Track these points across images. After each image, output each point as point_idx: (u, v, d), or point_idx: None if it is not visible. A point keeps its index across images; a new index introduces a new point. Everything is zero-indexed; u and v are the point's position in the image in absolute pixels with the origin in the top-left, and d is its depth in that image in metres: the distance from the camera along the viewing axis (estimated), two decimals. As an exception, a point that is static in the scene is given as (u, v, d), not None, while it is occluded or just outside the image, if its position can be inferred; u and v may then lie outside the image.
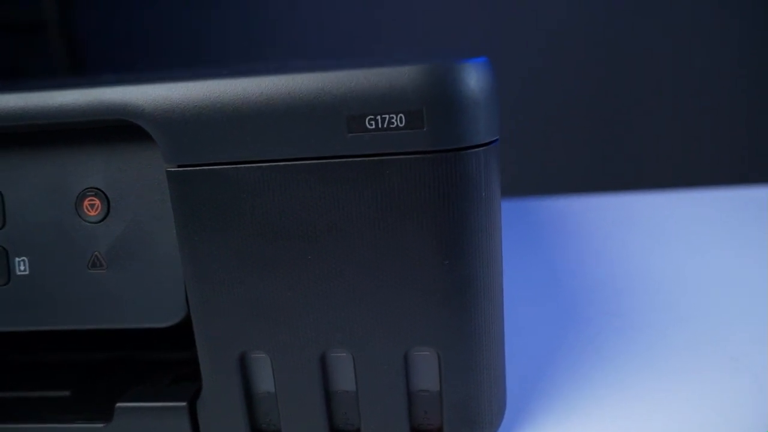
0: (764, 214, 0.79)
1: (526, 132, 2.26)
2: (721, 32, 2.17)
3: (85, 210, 0.37)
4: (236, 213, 0.34)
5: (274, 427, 0.39)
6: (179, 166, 0.34)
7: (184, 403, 0.38)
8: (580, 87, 2.25)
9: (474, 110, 0.33)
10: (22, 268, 0.37)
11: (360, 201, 0.33)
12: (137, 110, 0.33)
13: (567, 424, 0.41)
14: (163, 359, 0.48)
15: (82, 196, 0.37)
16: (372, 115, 0.32)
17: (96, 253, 0.37)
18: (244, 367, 0.37)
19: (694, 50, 2.19)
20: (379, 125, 0.32)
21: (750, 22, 2.15)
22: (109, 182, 0.36)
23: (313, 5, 2.27)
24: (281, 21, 2.29)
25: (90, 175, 0.37)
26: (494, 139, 0.34)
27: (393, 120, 0.32)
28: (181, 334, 0.40)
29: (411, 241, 0.34)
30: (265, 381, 0.38)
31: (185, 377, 0.42)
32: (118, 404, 0.38)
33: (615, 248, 0.72)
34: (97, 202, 0.37)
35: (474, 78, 0.33)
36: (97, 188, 0.37)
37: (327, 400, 0.37)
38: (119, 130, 0.36)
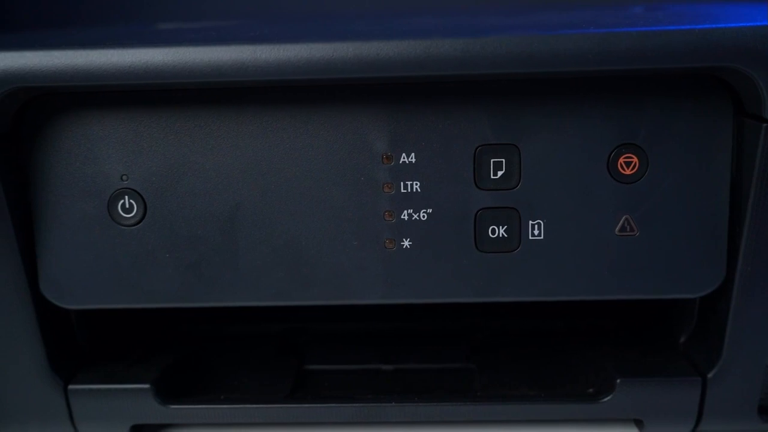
0: None
1: None
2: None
3: (620, 168, 0.33)
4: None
5: (772, 401, 0.36)
6: (783, 122, 0.30)
7: (698, 377, 0.35)
8: None
9: None
10: (536, 232, 0.33)
11: None
12: (752, 55, 0.29)
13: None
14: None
15: (616, 153, 0.33)
16: None
17: (627, 216, 0.33)
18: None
19: None
20: None
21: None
22: (648, 138, 0.32)
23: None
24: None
25: (626, 129, 0.32)
26: None
27: None
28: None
29: None
30: (777, 353, 0.35)
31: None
32: (621, 379, 0.35)
33: None
34: (635, 159, 0.33)
35: None
36: (634, 144, 0.33)
37: None
38: (665, 80, 0.32)
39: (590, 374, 0.38)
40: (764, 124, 0.30)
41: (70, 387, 0.36)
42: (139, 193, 0.34)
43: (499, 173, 0.33)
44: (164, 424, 0.38)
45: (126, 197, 0.34)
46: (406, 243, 0.34)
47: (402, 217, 0.33)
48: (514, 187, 0.33)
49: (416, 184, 0.33)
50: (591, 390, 0.37)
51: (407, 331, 0.46)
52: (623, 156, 0.33)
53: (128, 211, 0.34)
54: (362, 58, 0.30)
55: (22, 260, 0.34)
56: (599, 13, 0.43)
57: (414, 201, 0.33)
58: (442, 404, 0.37)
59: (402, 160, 0.33)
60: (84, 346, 0.39)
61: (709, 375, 0.35)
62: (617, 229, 0.33)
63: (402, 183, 0.33)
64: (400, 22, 0.36)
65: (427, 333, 0.45)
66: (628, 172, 0.33)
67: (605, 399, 0.35)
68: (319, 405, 0.37)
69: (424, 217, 0.33)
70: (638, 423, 0.37)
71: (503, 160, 0.33)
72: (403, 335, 0.45)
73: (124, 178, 0.33)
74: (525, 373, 0.40)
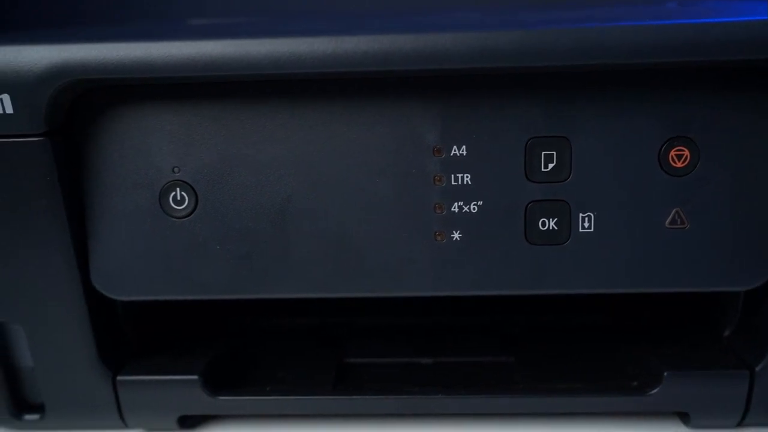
0: None
1: None
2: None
3: (671, 161, 0.33)
4: None
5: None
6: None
7: (745, 371, 0.35)
8: None
9: None
10: (586, 224, 0.34)
11: None
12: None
13: None
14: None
15: (668, 146, 0.33)
16: None
17: (677, 209, 0.33)
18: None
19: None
20: None
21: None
22: (700, 131, 0.32)
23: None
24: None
25: (678, 122, 0.32)
26: None
27: None
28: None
29: None
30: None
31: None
32: (668, 372, 0.35)
33: None
34: (686, 152, 0.33)
35: None
36: (686, 137, 0.33)
37: None
38: (717, 72, 0.32)
39: (633, 367, 0.38)
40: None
41: (119, 378, 0.37)
42: (190, 185, 0.34)
43: (550, 165, 0.33)
44: (211, 415, 0.38)
45: (177, 189, 0.34)
46: (456, 235, 0.34)
47: (452, 209, 0.34)
48: (565, 180, 0.33)
49: (467, 177, 0.33)
50: (635, 383, 0.37)
51: (445, 324, 0.46)
52: (674, 149, 0.33)
53: (179, 203, 0.34)
54: (421, 50, 0.30)
55: (74, 252, 0.34)
56: (632, 8, 0.43)
57: (464, 193, 0.33)
58: (486, 396, 0.37)
59: (453, 152, 0.33)
60: (131, 337, 0.39)
61: (757, 368, 0.35)
62: (667, 222, 0.33)
63: (453, 175, 0.33)
64: (448, 16, 0.36)
65: (466, 327, 0.46)
66: (679, 165, 0.33)
67: (652, 392, 0.35)
68: (367, 396, 0.38)
69: (474, 209, 0.34)
70: (683, 416, 0.37)
71: (554, 152, 0.33)
72: (441, 329, 0.46)
73: (176, 170, 0.34)
74: (566, 366, 0.40)
